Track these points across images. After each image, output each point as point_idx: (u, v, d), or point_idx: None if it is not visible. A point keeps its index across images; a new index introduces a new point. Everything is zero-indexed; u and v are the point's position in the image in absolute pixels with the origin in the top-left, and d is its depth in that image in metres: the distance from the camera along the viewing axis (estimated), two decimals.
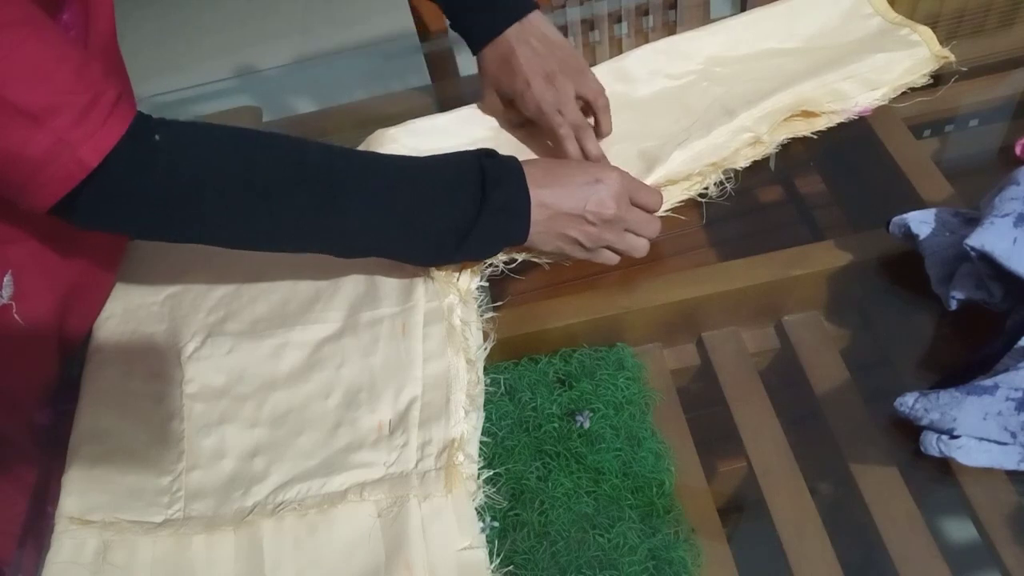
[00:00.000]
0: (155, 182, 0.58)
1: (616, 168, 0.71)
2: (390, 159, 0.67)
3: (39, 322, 0.66)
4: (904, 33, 0.84)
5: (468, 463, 0.60)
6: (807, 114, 0.80)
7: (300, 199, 0.62)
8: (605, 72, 0.84)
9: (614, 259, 0.71)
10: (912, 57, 0.82)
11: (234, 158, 0.60)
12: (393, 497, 0.59)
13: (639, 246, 0.71)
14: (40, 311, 0.66)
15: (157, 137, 0.57)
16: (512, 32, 0.79)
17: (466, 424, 0.62)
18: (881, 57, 0.81)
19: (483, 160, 0.66)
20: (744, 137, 0.78)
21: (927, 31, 0.84)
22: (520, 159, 0.68)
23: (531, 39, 0.78)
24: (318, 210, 0.62)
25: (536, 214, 0.67)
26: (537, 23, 0.79)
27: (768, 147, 0.79)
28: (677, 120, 0.80)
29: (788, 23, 0.87)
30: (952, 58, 0.82)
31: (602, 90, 0.80)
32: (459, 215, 0.65)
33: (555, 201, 0.67)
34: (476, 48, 0.82)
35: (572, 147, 0.76)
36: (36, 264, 0.64)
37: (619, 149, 0.79)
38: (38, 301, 0.65)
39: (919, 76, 0.82)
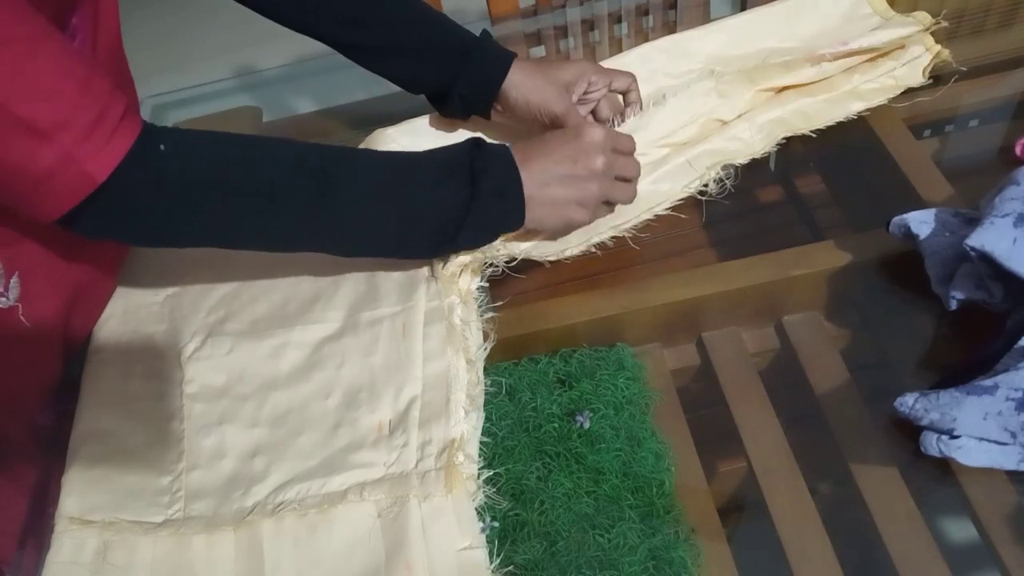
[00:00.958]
0: (161, 192, 0.58)
1: (594, 122, 0.72)
2: (381, 156, 0.68)
3: (44, 323, 0.66)
4: (899, 20, 0.85)
5: (468, 463, 0.60)
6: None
7: (300, 199, 0.62)
8: None
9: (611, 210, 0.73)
10: (907, 26, 0.82)
11: (237, 163, 0.61)
12: (393, 497, 0.59)
13: (631, 194, 0.72)
14: (45, 312, 0.66)
15: (162, 147, 0.57)
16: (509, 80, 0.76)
17: (466, 424, 0.62)
18: (874, 32, 0.83)
19: (471, 150, 0.67)
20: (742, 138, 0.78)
21: (923, 13, 0.84)
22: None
23: (525, 76, 0.76)
24: (318, 209, 0.63)
25: (529, 187, 0.67)
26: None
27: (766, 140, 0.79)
28: (676, 117, 0.80)
29: (788, 23, 0.87)
30: (945, 24, 0.82)
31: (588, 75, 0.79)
32: (451, 205, 0.65)
33: (544, 166, 0.67)
34: (486, 111, 0.80)
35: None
36: (42, 266, 0.64)
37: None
38: (43, 303, 0.65)
39: (913, 50, 0.82)
